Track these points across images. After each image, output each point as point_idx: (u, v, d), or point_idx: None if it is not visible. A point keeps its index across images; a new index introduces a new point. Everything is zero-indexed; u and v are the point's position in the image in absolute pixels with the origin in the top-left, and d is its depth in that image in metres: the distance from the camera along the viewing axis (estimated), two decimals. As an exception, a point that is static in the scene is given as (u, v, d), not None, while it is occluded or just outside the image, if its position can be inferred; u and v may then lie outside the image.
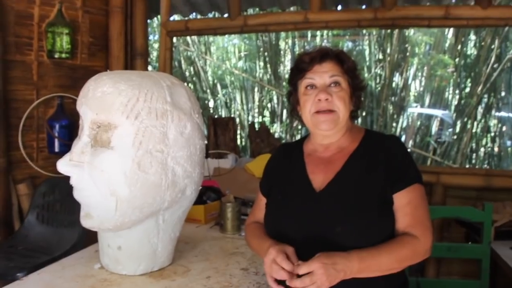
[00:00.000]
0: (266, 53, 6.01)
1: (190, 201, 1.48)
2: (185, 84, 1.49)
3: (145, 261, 1.43)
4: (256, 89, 6.18)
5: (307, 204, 1.27)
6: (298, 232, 1.24)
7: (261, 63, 6.14)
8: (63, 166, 1.29)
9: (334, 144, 1.35)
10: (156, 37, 5.94)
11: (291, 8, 4.19)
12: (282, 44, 6.08)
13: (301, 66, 1.32)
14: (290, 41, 6.06)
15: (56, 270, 1.46)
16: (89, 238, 1.96)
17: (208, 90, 6.21)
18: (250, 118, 6.05)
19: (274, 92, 6.02)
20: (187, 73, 6.15)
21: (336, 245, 1.15)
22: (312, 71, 1.29)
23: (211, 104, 6.27)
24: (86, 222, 1.35)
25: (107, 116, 1.27)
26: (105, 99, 1.26)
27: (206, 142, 1.52)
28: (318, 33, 5.90)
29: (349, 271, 1.09)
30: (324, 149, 1.36)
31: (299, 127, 5.96)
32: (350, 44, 6.03)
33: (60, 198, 2.50)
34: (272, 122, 6.00)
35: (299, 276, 1.09)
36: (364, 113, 5.44)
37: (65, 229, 2.40)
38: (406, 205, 1.22)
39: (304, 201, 1.29)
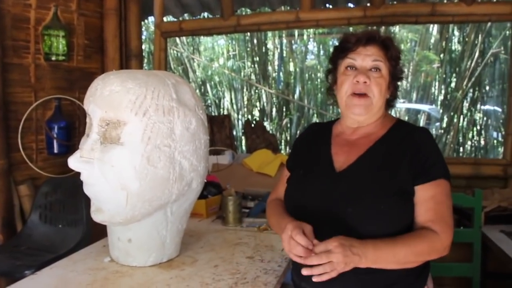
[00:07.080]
0: (253, 52, 6.07)
1: (196, 194, 1.53)
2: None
3: (155, 252, 1.48)
4: (245, 88, 6.23)
5: (325, 183, 1.29)
6: (312, 207, 1.27)
7: (249, 63, 6.20)
8: (74, 162, 1.33)
9: (363, 128, 1.35)
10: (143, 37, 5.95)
11: (282, 8, 4.26)
12: (269, 43, 6.14)
13: (346, 45, 1.31)
14: (277, 40, 6.13)
15: (67, 264, 1.50)
16: (93, 236, 2.00)
17: (197, 90, 6.25)
18: (240, 116, 6.11)
19: (263, 91, 6.08)
20: (176, 73, 6.18)
21: (346, 225, 1.17)
22: (356, 52, 1.29)
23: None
24: (97, 216, 1.38)
25: (116, 114, 1.30)
26: (113, 97, 1.30)
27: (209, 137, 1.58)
28: (305, 31, 5.97)
29: (364, 257, 1.09)
30: (352, 132, 1.37)
31: (288, 125, 6.03)
32: (336, 41, 6.10)
33: (62, 197, 2.53)
34: (262, 120, 6.07)
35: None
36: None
37: (68, 228, 2.43)
38: (428, 199, 1.20)
39: (323, 180, 1.31)
